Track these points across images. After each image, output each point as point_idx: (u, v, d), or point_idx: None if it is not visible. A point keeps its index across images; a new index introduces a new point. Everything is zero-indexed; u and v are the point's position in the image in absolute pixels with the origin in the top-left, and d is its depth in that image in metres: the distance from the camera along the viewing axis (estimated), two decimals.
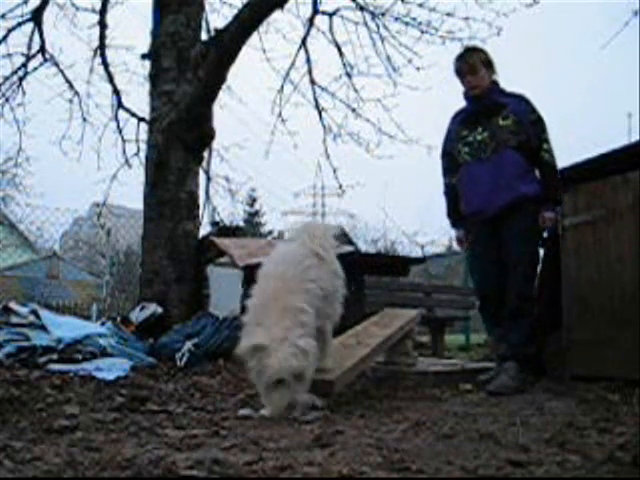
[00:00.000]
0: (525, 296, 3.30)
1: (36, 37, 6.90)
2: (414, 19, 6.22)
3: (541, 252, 3.74)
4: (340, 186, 7.53)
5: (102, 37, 6.96)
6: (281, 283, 2.43)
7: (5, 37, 6.79)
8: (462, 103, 3.60)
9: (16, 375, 2.89)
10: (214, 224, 6.55)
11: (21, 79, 7.04)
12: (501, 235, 3.34)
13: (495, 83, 3.45)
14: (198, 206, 5.39)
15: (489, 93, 3.39)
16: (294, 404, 2.27)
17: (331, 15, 6.68)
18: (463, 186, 3.46)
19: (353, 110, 6.92)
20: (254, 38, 5.72)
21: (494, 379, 3.22)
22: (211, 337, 3.94)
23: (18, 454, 1.56)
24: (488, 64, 3.42)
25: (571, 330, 3.44)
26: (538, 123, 3.30)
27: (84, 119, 7.42)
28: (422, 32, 6.24)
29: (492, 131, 3.31)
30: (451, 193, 3.57)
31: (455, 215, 3.60)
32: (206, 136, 5.35)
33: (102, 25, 6.93)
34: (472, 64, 3.38)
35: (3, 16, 6.70)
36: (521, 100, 3.36)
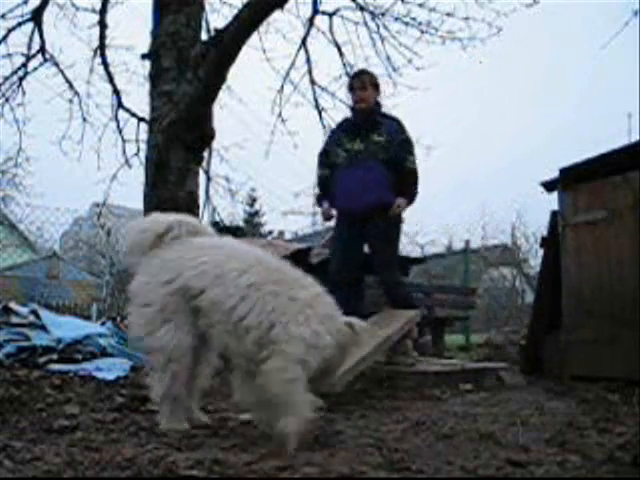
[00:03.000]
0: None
1: (36, 37, 6.86)
2: (414, 19, 6.20)
3: (540, 252, 3.77)
4: None
5: (102, 37, 6.93)
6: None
7: (5, 37, 6.75)
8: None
9: (16, 375, 2.89)
10: (214, 224, 6.54)
11: (21, 79, 7.01)
12: (367, 232, 3.82)
13: (378, 104, 3.99)
14: (198, 206, 5.37)
15: (371, 112, 3.90)
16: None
17: (331, 15, 6.66)
18: (337, 186, 3.93)
19: None
20: (254, 38, 5.69)
21: None
22: None
23: (18, 454, 1.57)
24: (375, 86, 3.96)
25: (571, 330, 3.44)
26: (405, 143, 3.86)
27: (84, 119, 7.39)
28: (422, 32, 6.22)
29: (367, 144, 3.85)
30: (324, 183, 4.06)
31: (323, 197, 4.06)
32: (206, 136, 5.33)
33: (102, 25, 6.90)
34: (362, 81, 3.92)
35: (3, 16, 6.67)
36: (394, 122, 3.91)
